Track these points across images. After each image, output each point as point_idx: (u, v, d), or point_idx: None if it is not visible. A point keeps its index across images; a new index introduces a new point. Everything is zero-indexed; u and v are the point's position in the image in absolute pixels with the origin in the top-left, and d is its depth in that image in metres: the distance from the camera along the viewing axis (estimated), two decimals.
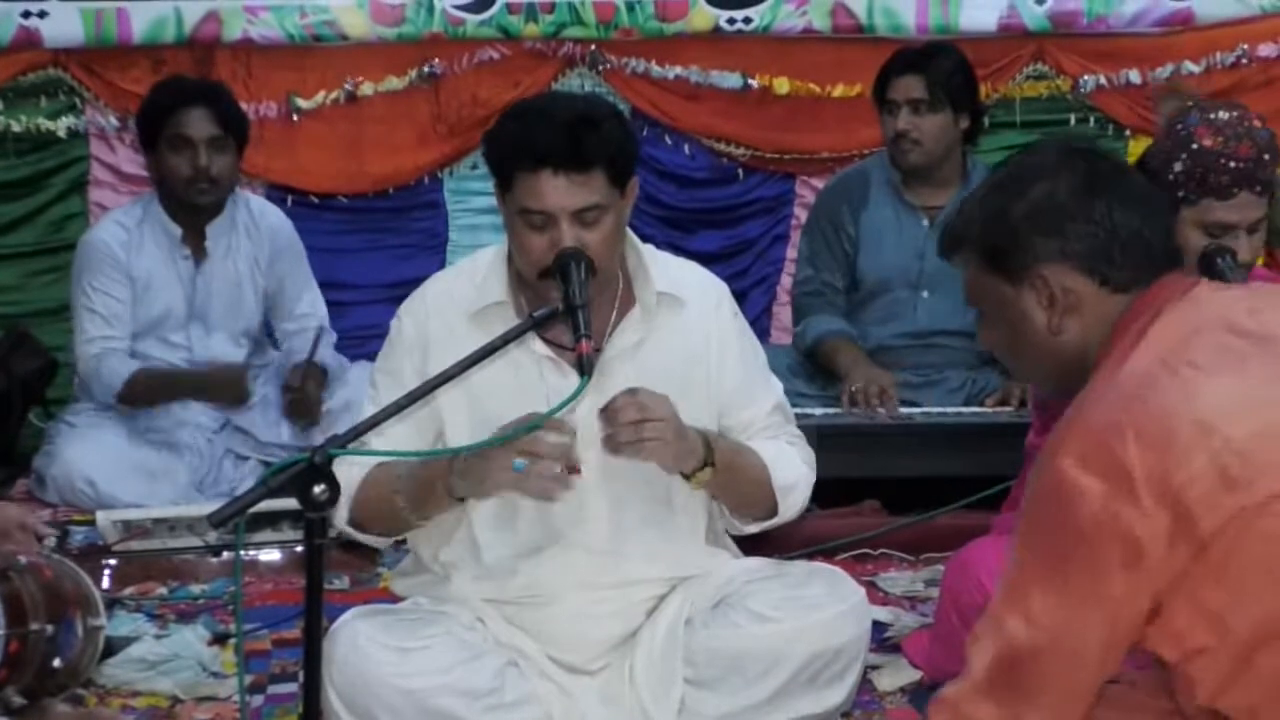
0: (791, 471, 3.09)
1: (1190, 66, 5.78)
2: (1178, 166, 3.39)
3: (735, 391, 3.07)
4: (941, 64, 4.87)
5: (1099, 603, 2.13)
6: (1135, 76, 5.81)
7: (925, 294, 4.90)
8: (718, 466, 2.90)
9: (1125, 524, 2.10)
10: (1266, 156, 3.36)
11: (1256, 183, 3.35)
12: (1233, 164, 3.33)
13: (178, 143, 4.72)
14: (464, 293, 3.02)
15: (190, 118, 4.72)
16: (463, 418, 2.97)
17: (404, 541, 3.18)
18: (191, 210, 4.82)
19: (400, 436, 2.88)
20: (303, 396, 4.75)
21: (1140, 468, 2.10)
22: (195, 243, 4.88)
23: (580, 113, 2.88)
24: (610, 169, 2.86)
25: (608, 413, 2.80)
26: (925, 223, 4.91)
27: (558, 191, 2.82)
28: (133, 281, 4.82)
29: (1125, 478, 2.10)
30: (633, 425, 2.78)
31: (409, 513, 2.92)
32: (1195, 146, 3.38)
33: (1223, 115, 3.39)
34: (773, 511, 3.07)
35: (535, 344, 2.94)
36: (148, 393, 4.78)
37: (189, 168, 4.72)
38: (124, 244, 4.82)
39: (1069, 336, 2.32)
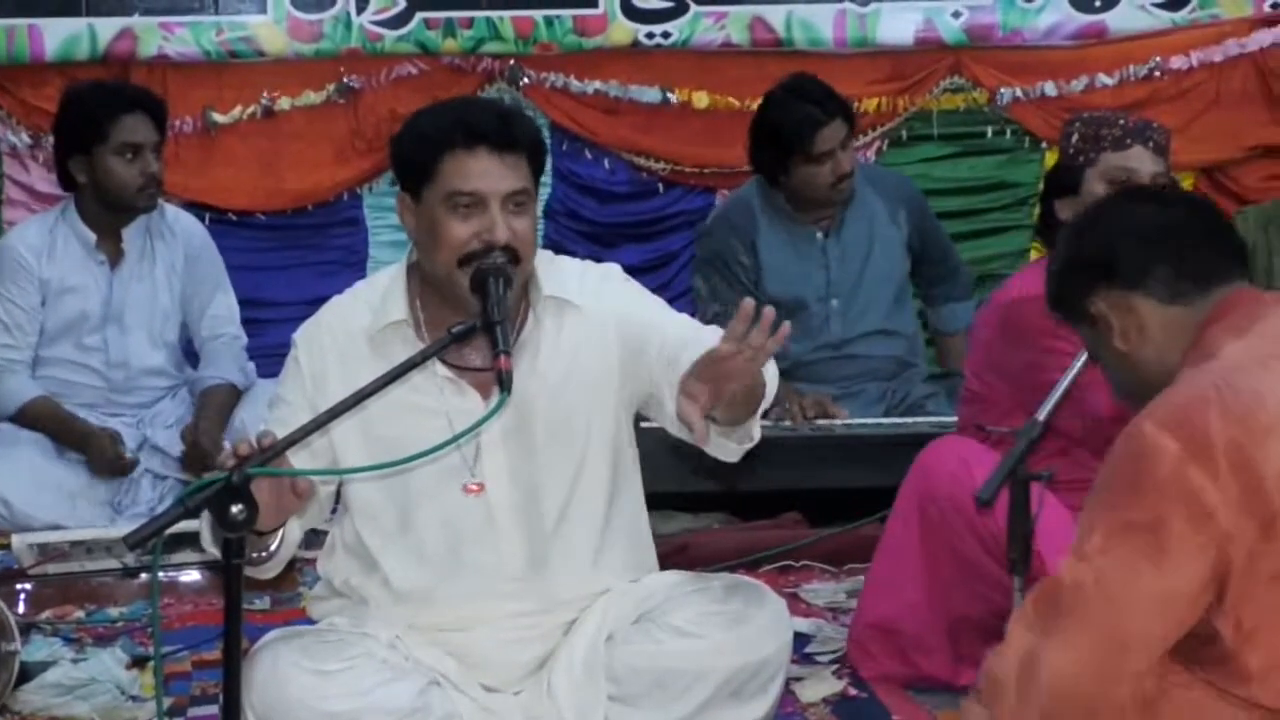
0: None
1: (1104, 79, 5.84)
2: (1074, 137, 3.66)
3: (649, 324, 2.98)
4: (836, 95, 4.89)
5: (1155, 556, 2.22)
6: (1051, 89, 5.86)
7: (835, 302, 4.95)
8: None
9: (1196, 486, 2.22)
10: (1155, 125, 3.63)
11: (1149, 139, 3.58)
12: (1122, 120, 3.63)
13: (127, 150, 4.69)
14: (360, 315, 2.99)
15: (137, 124, 4.71)
16: (356, 442, 2.94)
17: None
18: (123, 214, 4.80)
19: (296, 463, 2.78)
20: (197, 453, 4.71)
21: (1220, 438, 2.23)
22: (111, 247, 4.84)
23: (499, 103, 2.98)
24: (532, 158, 2.90)
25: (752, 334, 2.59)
26: (819, 235, 4.95)
27: (491, 173, 2.84)
28: (45, 286, 4.79)
29: (1204, 444, 2.22)
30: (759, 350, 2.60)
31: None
32: (1086, 115, 3.72)
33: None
34: (762, 391, 2.84)
35: (435, 365, 2.91)
36: (38, 424, 4.73)
37: (140, 175, 4.70)
38: (36, 250, 4.80)
39: (1147, 355, 2.48)
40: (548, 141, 5.51)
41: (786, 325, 2.63)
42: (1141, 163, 3.55)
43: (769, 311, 2.60)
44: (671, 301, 5.73)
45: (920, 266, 5.11)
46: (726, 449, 2.95)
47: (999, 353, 3.61)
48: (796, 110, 4.84)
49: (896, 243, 5.02)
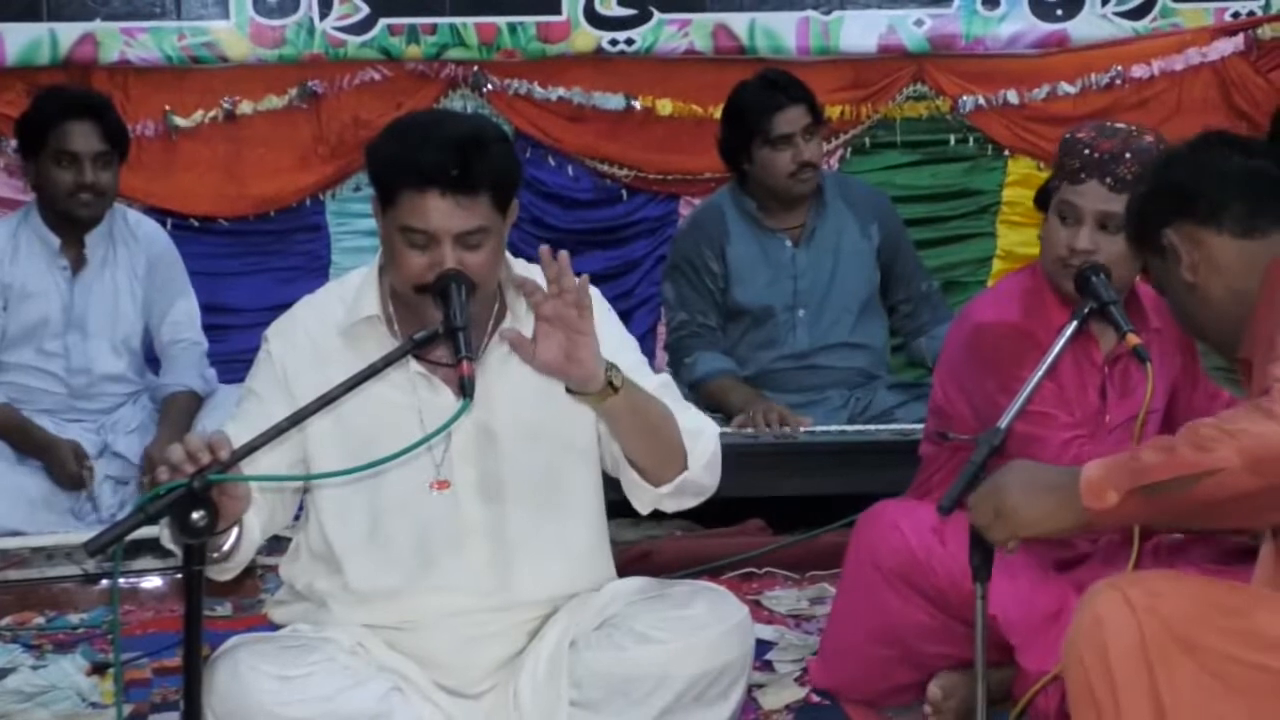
0: (694, 418, 3.00)
1: (1066, 87, 5.88)
2: (1056, 155, 3.50)
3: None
4: (805, 89, 4.93)
5: None
6: (1013, 97, 5.89)
7: (801, 313, 4.95)
8: (621, 386, 2.79)
9: None
10: (1128, 155, 3.35)
11: (1107, 174, 3.35)
12: (1087, 151, 3.38)
13: (63, 158, 4.68)
14: (334, 312, 2.99)
15: (76, 132, 4.68)
16: (329, 436, 2.93)
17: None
18: (72, 222, 4.77)
19: (266, 461, 2.78)
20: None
21: None
22: (74, 253, 4.82)
23: (467, 134, 2.85)
24: (495, 193, 2.84)
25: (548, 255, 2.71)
26: (789, 243, 4.96)
27: (442, 213, 2.80)
28: (7, 290, 4.76)
29: None
30: (572, 291, 2.71)
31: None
32: (1068, 137, 3.47)
33: (1118, 125, 3.47)
34: (683, 461, 2.94)
35: (408, 360, 2.91)
36: (1, 430, 4.70)
37: (73, 183, 4.68)
38: None
39: (1213, 288, 2.59)
40: None
41: (585, 278, 2.75)
42: (1090, 201, 3.36)
43: (564, 254, 2.73)
44: (634, 309, 5.85)
45: (889, 285, 5.09)
46: (642, 496, 2.99)
47: (964, 375, 3.56)
48: (759, 93, 4.91)
49: (867, 255, 5.02)
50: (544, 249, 2.74)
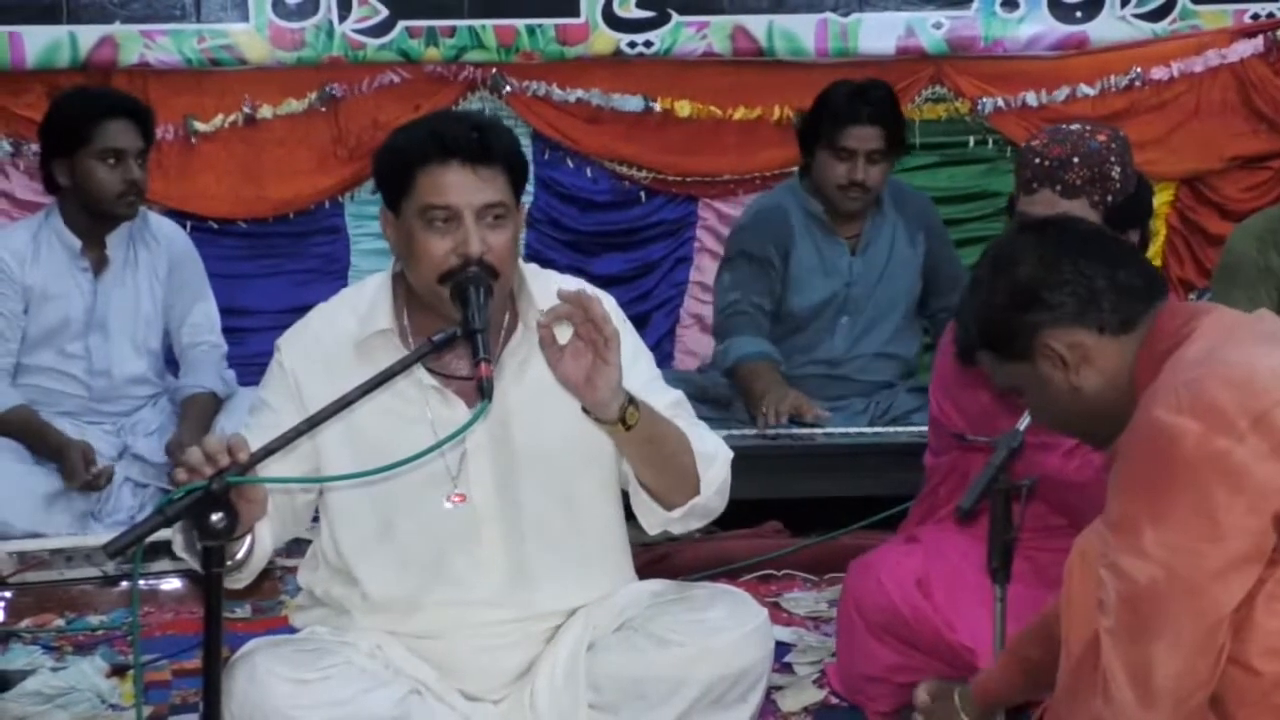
0: (709, 441, 3.00)
1: (1085, 89, 5.86)
2: (1015, 172, 3.50)
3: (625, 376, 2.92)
4: (894, 113, 4.87)
5: (1210, 534, 2.29)
6: (1032, 99, 5.88)
7: (845, 319, 4.94)
8: (640, 412, 2.80)
9: (1223, 452, 2.28)
10: (1075, 160, 3.36)
11: (1057, 182, 3.35)
12: (1037, 160, 3.40)
13: (109, 155, 4.65)
14: (346, 322, 2.98)
15: (121, 130, 4.67)
16: (343, 450, 2.92)
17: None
18: (108, 221, 4.77)
19: (279, 469, 2.77)
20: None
21: (1231, 403, 2.30)
22: (95, 254, 4.81)
23: (477, 117, 2.94)
24: (511, 171, 2.88)
25: (576, 299, 2.74)
26: (848, 250, 4.94)
27: (465, 186, 2.82)
28: (28, 292, 4.75)
29: (1218, 414, 2.30)
30: (599, 322, 2.73)
31: None
32: (1024, 147, 3.50)
33: (1072, 126, 3.46)
34: (695, 486, 2.94)
35: (421, 373, 2.91)
36: (13, 433, 4.67)
37: (121, 181, 4.65)
38: (19, 255, 4.74)
39: (1091, 387, 2.54)
40: (529, 150, 5.54)
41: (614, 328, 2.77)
42: (1043, 209, 3.31)
43: (581, 288, 2.81)
44: (652, 312, 5.84)
45: (929, 295, 5.07)
46: (651, 518, 3.00)
47: (956, 388, 3.50)
48: (845, 98, 4.84)
49: (912, 265, 5.01)
50: (564, 290, 2.77)
